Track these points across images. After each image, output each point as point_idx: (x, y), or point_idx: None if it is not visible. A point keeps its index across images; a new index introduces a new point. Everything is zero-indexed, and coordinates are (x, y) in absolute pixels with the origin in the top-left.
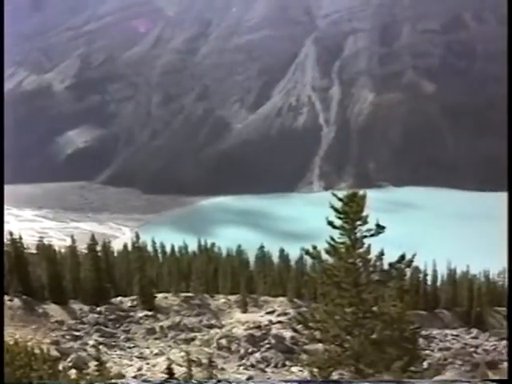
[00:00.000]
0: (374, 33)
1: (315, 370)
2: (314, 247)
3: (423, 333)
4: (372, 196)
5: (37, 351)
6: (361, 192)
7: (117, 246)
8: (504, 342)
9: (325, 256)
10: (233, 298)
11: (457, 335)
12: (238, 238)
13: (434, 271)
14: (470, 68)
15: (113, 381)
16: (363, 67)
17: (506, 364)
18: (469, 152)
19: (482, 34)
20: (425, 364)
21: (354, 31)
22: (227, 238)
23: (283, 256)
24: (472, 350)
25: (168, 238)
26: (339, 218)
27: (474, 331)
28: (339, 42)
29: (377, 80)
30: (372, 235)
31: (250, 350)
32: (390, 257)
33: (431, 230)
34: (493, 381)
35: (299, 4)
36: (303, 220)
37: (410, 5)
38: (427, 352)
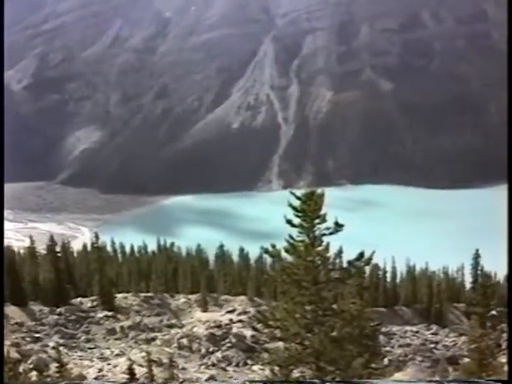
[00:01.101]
0: (332, 31)
1: (276, 368)
2: (273, 246)
3: (383, 330)
4: (332, 194)
5: None
6: (319, 190)
7: (76, 246)
8: (463, 338)
9: (284, 254)
10: (193, 297)
11: (417, 331)
12: (199, 238)
13: (394, 268)
14: (427, 66)
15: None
16: (322, 66)
17: (466, 359)
18: (426, 150)
19: (440, 33)
20: (385, 361)
21: (313, 30)
22: (188, 238)
23: (243, 255)
24: (432, 346)
25: (128, 237)
26: (298, 216)
27: (434, 327)
28: (298, 40)
29: (335, 78)
30: (331, 233)
31: (210, 350)
32: (351, 254)
33: (391, 228)
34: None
35: (258, 3)
36: (266, 219)
37: (368, 3)
38: (388, 349)
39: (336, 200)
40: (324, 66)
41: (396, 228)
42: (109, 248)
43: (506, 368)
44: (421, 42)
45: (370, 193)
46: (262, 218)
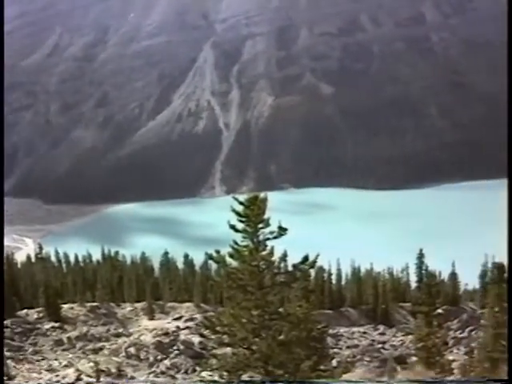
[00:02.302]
0: (271, 36)
1: (225, 373)
2: (218, 252)
3: (330, 331)
4: (278, 198)
5: None
6: (262, 195)
7: (20, 257)
8: (410, 337)
9: (229, 260)
10: (139, 305)
11: (364, 332)
12: (144, 245)
13: (339, 270)
14: (367, 70)
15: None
16: (262, 71)
17: (413, 358)
18: (368, 152)
19: (379, 36)
20: (334, 362)
21: (252, 35)
22: (133, 246)
23: (188, 261)
24: (380, 346)
25: (72, 247)
26: (241, 221)
27: (381, 327)
28: (237, 46)
29: (276, 83)
30: (275, 237)
31: (159, 357)
32: (297, 258)
33: (336, 230)
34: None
35: (197, 9)
36: (211, 225)
37: (307, 8)
38: (335, 350)
39: (282, 204)
40: (264, 71)
41: (341, 230)
42: (53, 258)
43: (453, 365)
44: (360, 45)
45: (315, 196)
46: (207, 224)
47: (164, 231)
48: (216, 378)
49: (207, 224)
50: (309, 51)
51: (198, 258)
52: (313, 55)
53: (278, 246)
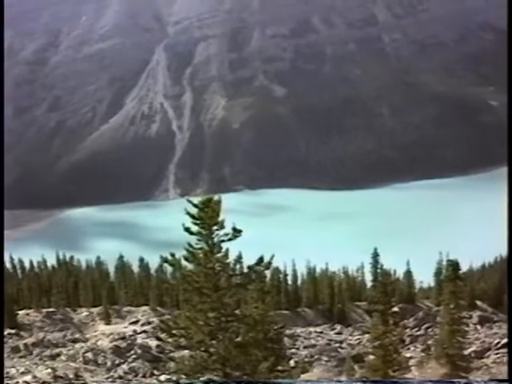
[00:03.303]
0: (224, 39)
1: (183, 376)
2: (172, 255)
3: (287, 332)
4: (232, 200)
5: None
6: (216, 197)
7: None
8: (367, 336)
9: (184, 262)
10: (95, 310)
11: (321, 332)
12: (100, 250)
13: (294, 271)
14: (319, 71)
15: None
16: (214, 73)
17: (371, 357)
18: (321, 153)
19: (331, 37)
20: (292, 362)
21: (205, 37)
22: (89, 250)
23: (143, 265)
24: (337, 345)
25: (26, 253)
26: (196, 224)
27: (338, 327)
28: (190, 48)
29: (228, 85)
30: (229, 239)
31: (116, 362)
32: (253, 259)
33: (291, 231)
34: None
35: (149, 11)
36: (167, 228)
37: (259, 10)
38: (293, 351)
39: (237, 205)
40: (217, 74)
41: (297, 231)
42: (8, 264)
43: (410, 362)
44: (312, 46)
45: (270, 197)
46: (163, 228)
47: (120, 235)
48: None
49: (163, 227)
50: (261, 53)
51: (155, 262)
52: (265, 57)
53: (233, 248)
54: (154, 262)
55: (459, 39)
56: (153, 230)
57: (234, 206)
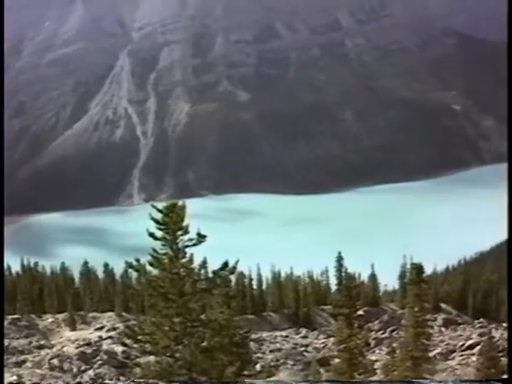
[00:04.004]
0: (187, 44)
1: (150, 382)
2: (137, 260)
3: (253, 336)
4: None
5: None
6: (180, 202)
7: None
8: (332, 339)
9: (149, 268)
10: (61, 316)
11: (286, 336)
12: (64, 255)
13: (259, 275)
14: (283, 76)
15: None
16: (178, 78)
17: (336, 360)
18: (286, 158)
19: (295, 43)
20: (258, 367)
21: (168, 43)
22: (53, 256)
23: (108, 271)
24: (303, 349)
25: None
26: (160, 229)
27: (303, 331)
28: (154, 53)
29: (192, 91)
30: (194, 244)
31: (82, 368)
32: (218, 264)
33: (256, 235)
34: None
35: (113, 17)
36: (133, 233)
37: (223, 16)
38: (259, 355)
39: (203, 210)
40: (181, 79)
41: (262, 235)
42: None
43: (376, 365)
44: (276, 52)
45: (235, 202)
46: (129, 233)
47: (85, 241)
48: None
49: (129, 233)
50: (225, 58)
51: (121, 268)
52: (229, 62)
53: (199, 253)
54: (120, 268)
55: (422, 44)
56: (118, 236)
57: (199, 211)
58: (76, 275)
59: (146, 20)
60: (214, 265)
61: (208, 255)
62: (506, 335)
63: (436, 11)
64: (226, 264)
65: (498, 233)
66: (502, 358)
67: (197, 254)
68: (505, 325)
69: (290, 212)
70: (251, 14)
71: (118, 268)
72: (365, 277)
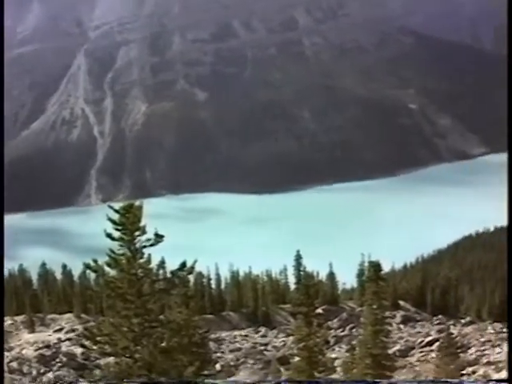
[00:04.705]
0: (145, 43)
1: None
2: (95, 261)
3: (212, 336)
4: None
5: None
6: (137, 202)
7: None
8: (292, 338)
9: (107, 269)
10: (19, 318)
11: (246, 335)
12: (24, 257)
13: (218, 275)
14: (240, 75)
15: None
16: (136, 78)
17: (296, 358)
18: (242, 156)
19: (252, 42)
20: (217, 366)
21: (126, 42)
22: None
23: (66, 272)
24: (262, 348)
25: None
26: (117, 229)
27: (263, 330)
28: (111, 53)
29: (149, 90)
30: (151, 245)
31: (42, 371)
32: (177, 264)
33: (215, 235)
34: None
35: (70, 16)
36: (91, 234)
37: (180, 14)
38: (219, 355)
39: (162, 210)
40: (138, 78)
41: (221, 234)
42: None
43: (335, 363)
44: (233, 50)
45: (193, 201)
46: (87, 234)
47: (44, 242)
48: None
49: (87, 233)
50: (182, 57)
51: (80, 269)
52: (186, 61)
53: (158, 253)
54: (78, 269)
55: (379, 43)
56: (77, 237)
57: (157, 210)
58: (34, 277)
59: (103, 19)
60: (172, 265)
61: (167, 255)
62: (464, 331)
63: (393, 10)
64: (183, 264)
65: (456, 230)
66: (461, 354)
67: (155, 254)
68: (463, 321)
69: (248, 211)
70: (209, 12)
71: (77, 269)
72: (323, 275)
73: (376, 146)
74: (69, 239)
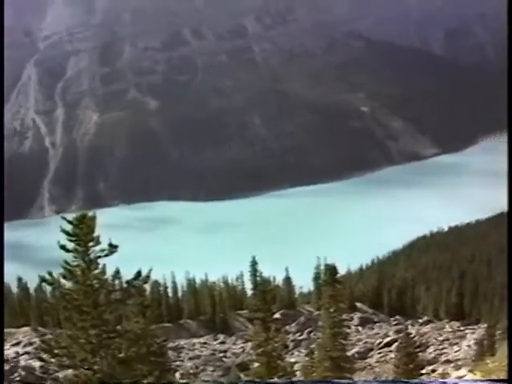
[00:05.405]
0: (95, 52)
1: None
2: (50, 273)
3: (171, 345)
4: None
5: None
6: (90, 213)
7: None
8: (250, 344)
9: (63, 281)
10: None
11: (205, 343)
12: None
13: (174, 283)
14: (191, 82)
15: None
16: (86, 87)
17: (255, 364)
18: (195, 164)
19: (202, 49)
20: (177, 375)
21: (76, 52)
22: None
23: (22, 285)
24: (221, 355)
25: None
26: (71, 240)
27: (221, 337)
28: (61, 63)
29: (100, 100)
30: (106, 255)
31: None
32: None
33: (170, 243)
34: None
35: (19, 26)
36: (48, 246)
37: (130, 23)
38: (178, 363)
39: (117, 220)
40: (88, 88)
41: (176, 242)
42: None
43: (295, 367)
44: (184, 58)
45: (147, 210)
46: (42, 246)
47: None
48: None
49: (42, 245)
50: (133, 66)
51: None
52: (137, 70)
53: (113, 263)
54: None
55: (328, 48)
56: (31, 249)
57: (111, 220)
58: None
59: (54, 29)
60: (128, 275)
61: (122, 265)
62: (422, 331)
63: (342, 15)
64: (139, 273)
65: (410, 231)
66: (420, 354)
67: (111, 264)
68: (420, 320)
69: (203, 218)
70: (159, 20)
71: (33, 282)
72: (280, 280)
73: (328, 150)
74: (24, 252)
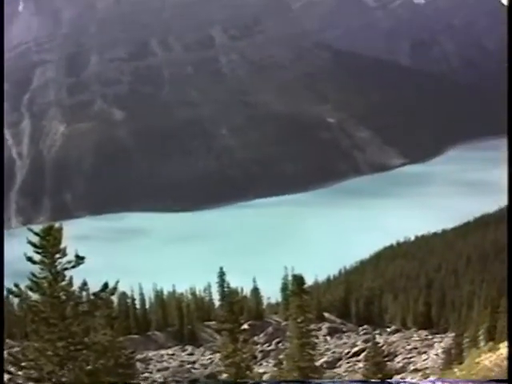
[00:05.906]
0: (62, 63)
1: None
2: (16, 285)
3: (139, 356)
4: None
5: None
6: (57, 224)
7: None
8: (219, 355)
9: (29, 293)
10: None
11: (173, 354)
12: None
13: (142, 294)
14: (157, 94)
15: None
16: (53, 98)
17: (224, 375)
18: (163, 175)
19: (169, 60)
20: None
21: (43, 62)
22: None
23: None
24: (189, 366)
25: None
26: (38, 252)
27: (189, 348)
28: (27, 73)
29: (67, 110)
30: (73, 267)
31: None
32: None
33: (139, 254)
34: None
35: None
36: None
37: (97, 33)
38: (146, 375)
39: (84, 231)
40: (55, 99)
41: (142, 254)
42: None
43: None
44: (150, 69)
45: (114, 222)
46: (9, 258)
47: None
48: None
49: (9, 258)
50: (99, 77)
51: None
52: (103, 80)
53: (80, 275)
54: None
55: (295, 59)
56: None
57: (77, 232)
58: None
59: (20, 39)
60: (95, 286)
61: (89, 277)
62: (390, 340)
63: (310, 27)
64: (106, 285)
65: (377, 240)
66: (388, 363)
67: (79, 276)
68: (388, 330)
69: (170, 230)
70: (126, 31)
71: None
72: (248, 291)
73: (295, 161)
74: None
